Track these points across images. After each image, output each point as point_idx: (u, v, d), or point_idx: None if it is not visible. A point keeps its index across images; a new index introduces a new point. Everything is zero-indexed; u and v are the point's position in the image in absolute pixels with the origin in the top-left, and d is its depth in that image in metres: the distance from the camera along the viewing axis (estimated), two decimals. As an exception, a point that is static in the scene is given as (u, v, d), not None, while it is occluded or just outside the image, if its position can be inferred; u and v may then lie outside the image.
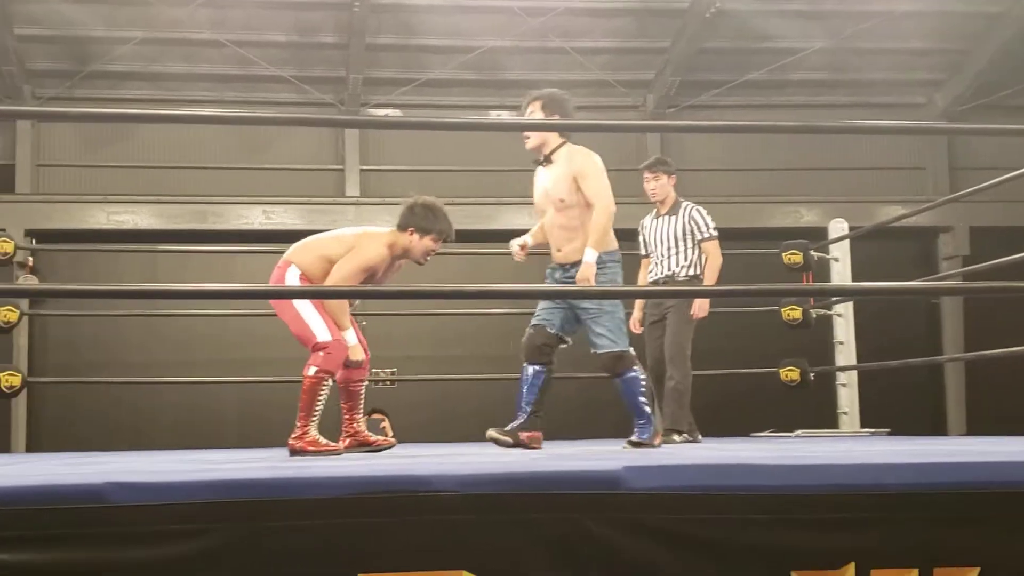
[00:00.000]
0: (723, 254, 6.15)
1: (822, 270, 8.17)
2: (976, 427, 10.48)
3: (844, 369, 8.05)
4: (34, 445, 9.84)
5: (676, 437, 5.84)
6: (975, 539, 2.42)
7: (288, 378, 6.71)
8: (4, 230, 7.64)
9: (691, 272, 6.09)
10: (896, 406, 9.61)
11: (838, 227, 8.27)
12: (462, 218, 10.41)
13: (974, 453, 3.16)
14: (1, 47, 10.29)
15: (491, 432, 4.85)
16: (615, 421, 10.28)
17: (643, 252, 6.38)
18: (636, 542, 2.34)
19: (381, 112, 11.44)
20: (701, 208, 6.22)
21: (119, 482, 2.25)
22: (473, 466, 2.66)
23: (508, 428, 4.85)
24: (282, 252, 4.79)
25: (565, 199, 4.83)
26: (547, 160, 4.95)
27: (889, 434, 7.75)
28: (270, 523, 2.25)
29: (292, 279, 4.61)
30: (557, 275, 4.97)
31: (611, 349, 4.78)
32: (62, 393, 10.11)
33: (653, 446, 4.84)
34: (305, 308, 4.51)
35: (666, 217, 6.22)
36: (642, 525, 2.35)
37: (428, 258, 4.81)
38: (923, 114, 11.85)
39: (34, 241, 9.93)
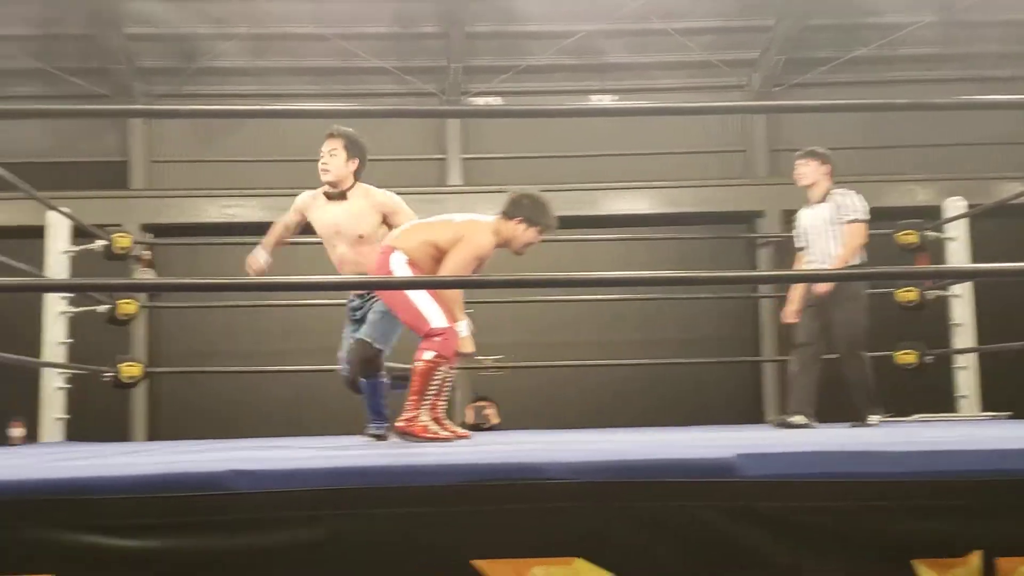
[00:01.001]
0: None
1: (938, 250, 7.96)
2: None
3: (962, 352, 7.84)
4: (154, 433, 10.14)
5: (873, 418, 5.97)
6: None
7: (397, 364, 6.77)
8: (120, 225, 7.86)
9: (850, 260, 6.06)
10: (1020, 389, 9.33)
11: (955, 205, 8.03)
12: (564, 204, 10.40)
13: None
14: (111, 47, 10.60)
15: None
16: (727, 406, 10.25)
17: (798, 245, 6.38)
18: (750, 530, 2.30)
19: (482, 100, 11.49)
20: (851, 192, 6.20)
21: (239, 470, 2.29)
22: (584, 453, 2.65)
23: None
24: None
25: (365, 235, 5.06)
26: (341, 196, 5.17)
27: (1011, 417, 7.52)
28: (385, 510, 2.27)
29: (398, 264, 4.59)
30: (355, 303, 5.21)
31: (372, 344, 5.00)
32: (180, 382, 10.39)
33: (383, 438, 5.06)
34: (417, 295, 4.52)
35: (818, 206, 6.22)
36: (756, 513, 2.31)
37: (526, 250, 4.80)
38: (1039, 86, 11.47)
39: (151, 236, 10.21)
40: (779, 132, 11.52)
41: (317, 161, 5.16)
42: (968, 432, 4.43)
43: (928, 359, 7.57)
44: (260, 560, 2.22)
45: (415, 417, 4.47)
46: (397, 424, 4.49)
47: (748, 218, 11.06)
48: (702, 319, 10.69)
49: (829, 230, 6.10)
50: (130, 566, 2.19)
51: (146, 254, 9.66)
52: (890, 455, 2.44)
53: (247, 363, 9.86)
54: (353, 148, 5.17)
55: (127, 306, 7.03)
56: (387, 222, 5.09)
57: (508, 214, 4.71)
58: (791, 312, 6.26)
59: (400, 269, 4.59)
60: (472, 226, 4.68)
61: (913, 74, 11.46)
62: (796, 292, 6.27)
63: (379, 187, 11.55)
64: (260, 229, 10.37)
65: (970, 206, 7.98)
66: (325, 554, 2.24)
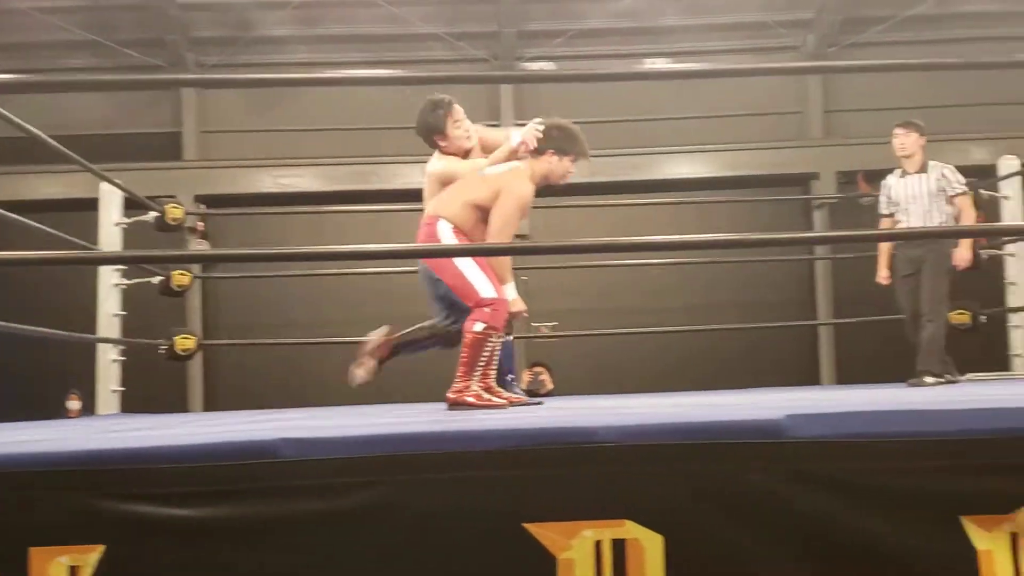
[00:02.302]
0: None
1: (993, 209, 7.85)
2: None
3: (1017, 310, 7.75)
4: (211, 404, 10.28)
5: (928, 379, 6.12)
6: None
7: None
8: (173, 197, 7.93)
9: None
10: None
11: (1008, 164, 7.92)
12: (620, 169, 10.45)
13: None
14: (165, 17, 10.67)
15: None
16: (784, 369, 10.18)
17: (884, 211, 6.56)
18: (799, 491, 2.30)
19: (535, 66, 11.43)
20: (947, 165, 6.46)
21: (289, 437, 2.32)
22: (634, 417, 2.66)
23: None
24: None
25: None
26: None
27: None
28: (434, 475, 2.29)
29: (445, 234, 4.56)
30: None
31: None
32: (236, 353, 10.51)
33: None
34: (466, 264, 4.50)
35: (916, 176, 6.40)
36: (805, 474, 2.31)
37: (565, 181, 4.76)
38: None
39: (204, 207, 10.31)
40: (834, 93, 11.36)
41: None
42: (1017, 390, 4.38)
43: (982, 318, 7.51)
44: (311, 527, 2.25)
45: (466, 387, 4.47)
46: (448, 395, 4.49)
47: (803, 180, 10.94)
48: (757, 283, 10.62)
49: (933, 202, 6.31)
50: (180, 535, 2.22)
51: (199, 225, 9.75)
52: (939, 414, 2.42)
53: (304, 333, 9.94)
54: None
55: (180, 277, 7.11)
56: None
57: (539, 149, 4.68)
58: (884, 275, 6.50)
59: (447, 238, 4.56)
60: (508, 176, 4.62)
61: (969, 32, 11.22)
62: (885, 255, 6.47)
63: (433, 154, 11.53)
64: (313, 199, 10.58)
65: (1024, 164, 7.87)
66: (376, 521, 2.26)
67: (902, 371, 6.52)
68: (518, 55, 11.32)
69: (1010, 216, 7.80)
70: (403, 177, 10.74)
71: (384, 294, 10.39)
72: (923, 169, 6.40)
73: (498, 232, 4.50)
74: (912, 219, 6.35)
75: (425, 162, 10.71)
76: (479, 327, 4.47)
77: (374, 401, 7.44)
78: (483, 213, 4.56)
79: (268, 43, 11.21)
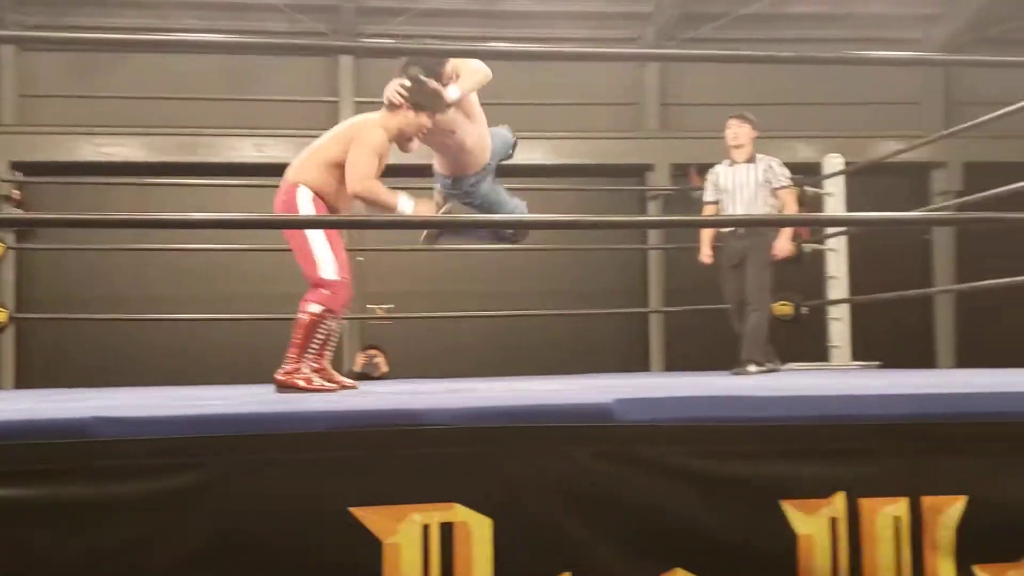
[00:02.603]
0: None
1: (817, 206, 8.14)
2: (967, 360, 10.53)
3: (836, 303, 8.06)
4: (25, 382, 9.80)
5: (752, 368, 6.31)
6: (962, 468, 2.44)
7: (286, 315, 6.65)
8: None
9: None
10: (889, 340, 9.65)
11: (833, 162, 8.23)
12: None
13: (961, 384, 3.17)
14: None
15: None
16: (617, 355, 10.37)
17: (709, 199, 6.76)
18: (627, 474, 2.34)
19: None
20: (776, 160, 6.69)
21: (103, 417, 2.23)
22: (465, 400, 2.65)
23: None
24: (275, 185, 4.57)
25: None
26: None
27: (880, 367, 7.79)
28: (258, 457, 2.23)
29: (305, 202, 4.39)
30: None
31: None
32: (54, 330, 10.06)
33: None
34: (316, 240, 4.34)
35: (744, 166, 6.62)
36: (633, 457, 2.34)
37: (423, 135, 4.66)
38: (921, 48, 11.72)
39: (20, 174, 9.81)
40: (670, 87, 11.60)
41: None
42: (836, 380, 4.55)
43: (804, 310, 7.81)
44: (126, 510, 2.16)
45: (296, 369, 4.34)
46: (277, 377, 4.35)
47: (639, 171, 11.13)
48: (593, 270, 10.76)
49: (758, 192, 6.54)
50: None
51: (15, 193, 9.26)
52: (760, 400, 2.48)
53: (133, 308, 9.58)
54: None
55: (-8, 248, 6.72)
56: None
57: (394, 103, 4.55)
58: (706, 255, 6.73)
59: (306, 207, 4.40)
60: (358, 126, 4.52)
61: (801, 33, 11.59)
62: (707, 236, 6.71)
63: (266, 128, 11.25)
64: (138, 169, 10.20)
65: (848, 163, 8.19)
66: (195, 504, 2.18)
67: (728, 360, 6.70)
68: (358, 31, 11.12)
69: (832, 212, 8.09)
70: (233, 150, 10.45)
71: (218, 269, 10.14)
72: (751, 160, 6.62)
73: (360, 179, 4.32)
74: (737, 208, 6.57)
75: (256, 137, 10.51)
76: (315, 308, 4.33)
77: (201, 381, 7.24)
78: (342, 172, 4.39)
79: (95, 5, 10.71)
